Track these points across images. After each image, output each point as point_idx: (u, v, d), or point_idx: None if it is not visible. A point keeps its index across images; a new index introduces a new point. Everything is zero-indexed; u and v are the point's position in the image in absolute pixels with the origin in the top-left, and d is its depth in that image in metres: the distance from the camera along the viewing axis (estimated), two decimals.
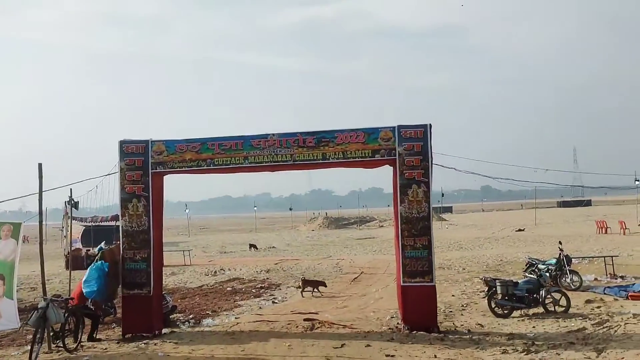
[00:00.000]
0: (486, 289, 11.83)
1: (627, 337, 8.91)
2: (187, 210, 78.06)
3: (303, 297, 14.91)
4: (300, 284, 15.52)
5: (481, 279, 13.59)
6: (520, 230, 41.78)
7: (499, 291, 11.36)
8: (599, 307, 11.56)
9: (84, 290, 10.74)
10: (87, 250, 26.50)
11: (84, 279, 10.94)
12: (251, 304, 14.30)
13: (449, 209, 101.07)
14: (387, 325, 10.75)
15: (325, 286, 15.37)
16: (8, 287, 9.50)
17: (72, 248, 21.75)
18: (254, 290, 16.46)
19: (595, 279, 15.23)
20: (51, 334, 9.59)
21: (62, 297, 10.53)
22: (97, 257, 11.32)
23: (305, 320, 11.44)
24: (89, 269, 11.19)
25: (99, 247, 12.74)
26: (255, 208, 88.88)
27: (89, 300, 10.88)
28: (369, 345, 9.04)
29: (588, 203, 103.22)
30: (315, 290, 15.19)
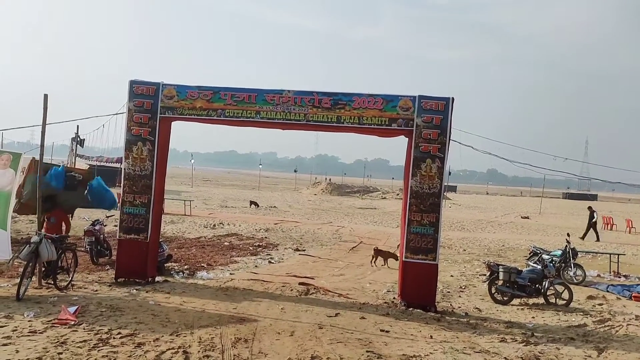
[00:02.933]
0: (488, 273, 11.57)
1: (628, 338, 8.63)
2: (192, 161, 78.16)
3: (373, 266, 14.44)
4: (373, 253, 14.99)
5: (484, 262, 13.34)
6: (525, 217, 41.51)
7: (501, 277, 11.12)
8: (600, 304, 11.30)
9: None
10: None
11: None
12: (247, 261, 14.16)
13: (453, 189, 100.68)
14: (383, 299, 10.55)
15: (397, 259, 14.73)
16: (2, 217, 9.27)
17: None
18: (251, 248, 16.33)
19: (599, 275, 14.95)
20: (42, 270, 9.43)
21: (56, 235, 10.34)
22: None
23: (300, 284, 11.27)
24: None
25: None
26: (260, 166, 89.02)
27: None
28: (363, 318, 8.83)
29: (594, 197, 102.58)
30: (387, 261, 14.70)
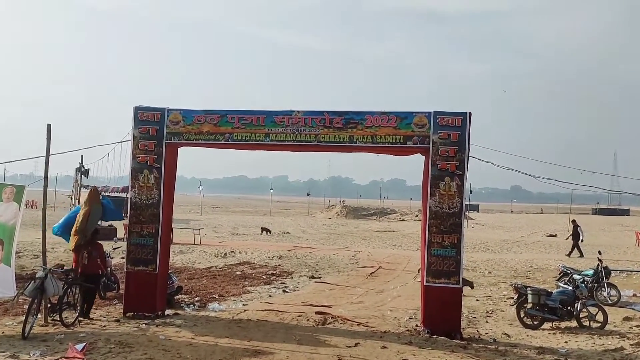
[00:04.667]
0: (515, 296, 11.43)
1: None
2: (200, 187, 78.67)
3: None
4: None
5: (511, 284, 13.18)
6: (551, 235, 41.00)
7: (529, 300, 10.96)
8: (638, 326, 11.06)
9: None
10: None
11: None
12: (261, 290, 14.13)
13: (475, 207, 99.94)
14: (405, 327, 10.44)
15: (472, 287, 14.34)
16: (7, 252, 9.38)
17: None
18: (264, 277, 16.30)
19: (635, 295, 14.67)
20: (48, 306, 9.49)
21: (63, 268, 10.43)
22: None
23: (317, 313, 11.20)
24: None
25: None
26: (271, 190, 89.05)
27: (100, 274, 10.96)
28: (385, 347, 8.73)
29: (625, 212, 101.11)
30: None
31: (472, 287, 14.20)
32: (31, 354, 7.64)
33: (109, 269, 12.82)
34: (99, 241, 10.89)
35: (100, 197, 10.97)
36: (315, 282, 16.02)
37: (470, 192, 67.85)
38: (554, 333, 10.45)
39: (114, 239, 17.81)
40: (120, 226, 23.94)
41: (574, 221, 27.05)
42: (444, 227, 9.79)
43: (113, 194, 32.95)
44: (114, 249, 15.54)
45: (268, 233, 34.88)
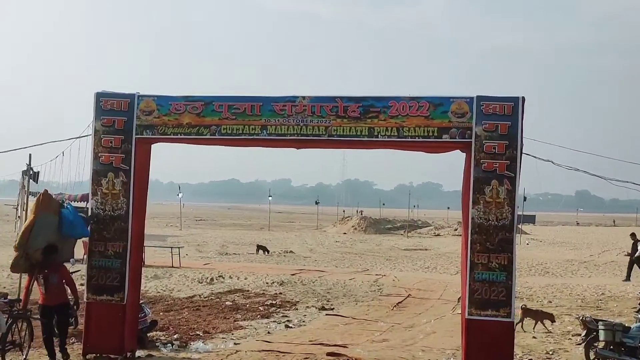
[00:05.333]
0: (583, 332, 11.38)
1: None
2: (180, 195, 78.61)
3: (520, 330, 13.64)
4: (520, 313, 14.21)
5: (578, 317, 13.10)
6: (629, 254, 40.69)
7: (601, 337, 10.87)
8: None
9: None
10: None
11: None
12: (257, 326, 14.14)
13: (530, 219, 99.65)
14: None
15: (553, 322, 14.31)
16: None
17: None
18: (261, 308, 16.31)
19: None
20: None
21: (7, 297, 10.49)
22: None
23: (328, 355, 11.22)
24: None
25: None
26: (270, 198, 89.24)
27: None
28: None
29: None
30: (540, 323, 14.37)
31: (552, 321, 14.41)
32: None
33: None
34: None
35: (65, 205, 10.88)
36: (327, 314, 16.00)
37: (525, 199, 67.51)
38: None
39: (71, 260, 17.75)
40: (78, 245, 24.03)
41: (633, 235, 26.82)
42: (491, 244, 9.77)
43: (69, 203, 33.23)
44: (72, 273, 15.59)
45: (266, 253, 34.92)
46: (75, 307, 10.95)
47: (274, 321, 14.82)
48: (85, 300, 10.88)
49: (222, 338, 12.73)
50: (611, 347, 10.84)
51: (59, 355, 10.18)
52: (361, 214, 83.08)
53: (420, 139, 10.04)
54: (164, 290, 18.99)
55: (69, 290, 10.80)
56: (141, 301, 11.97)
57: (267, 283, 20.94)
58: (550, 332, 14.13)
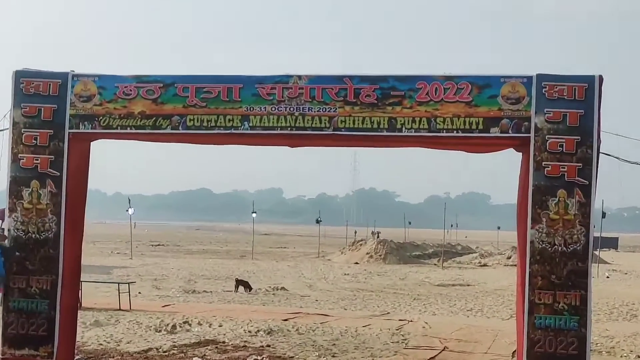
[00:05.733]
0: None
1: None
2: (130, 211, 78.58)
3: None
4: None
5: None
6: None
7: None
8: None
9: None
10: None
11: None
12: None
13: (612, 243, 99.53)
14: None
15: None
16: None
17: None
18: None
19: None
20: None
21: None
22: None
23: None
24: None
25: None
26: (254, 214, 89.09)
27: None
28: None
29: None
30: None
31: None
32: None
33: None
34: None
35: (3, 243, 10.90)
36: None
37: (603, 215, 67.51)
38: None
39: None
40: None
41: None
42: (557, 277, 9.80)
43: None
44: None
45: (248, 290, 34.79)
46: None
47: None
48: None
49: None
50: None
51: None
52: (377, 236, 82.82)
53: (460, 134, 10.08)
54: (109, 342, 18.88)
55: None
56: (77, 357, 11.94)
57: (249, 332, 20.85)
58: None
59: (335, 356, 18.07)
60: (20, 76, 10.91)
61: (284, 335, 20.69)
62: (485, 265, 65.66)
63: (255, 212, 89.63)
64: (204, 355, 17.62)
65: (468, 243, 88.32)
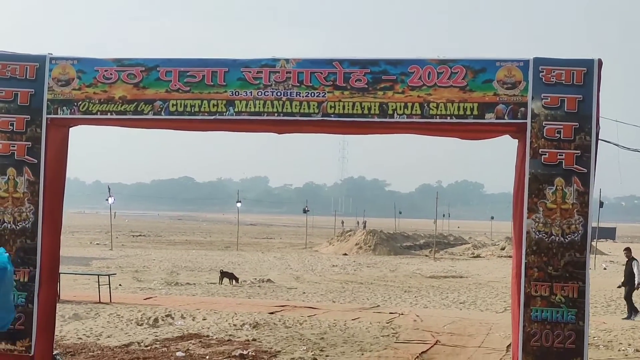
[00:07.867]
0: None
1: None
2: (110, 200, 78.49)
3: None
4: None
5: None
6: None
7: None
8: None
9: None
10: None
11: None
12: None
13: (609, 233, 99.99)
14: None
15: None
16: None
17: None
18: None
19: None
20: None
21: None
22: None
23: None
24: None
25: None
26: (238, 204, 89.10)
27: None
28: None
29: None
30: None
31: None
32: None
33: None
34: None
35: None
36: None
37: (601, 204, 67.65)
38: None
39: None
40: None
41: (627, 250, 27.47)
42: (554, 268, 9.80)
43: None
44: None
45: (233, 282, 34.82)
46: None
47: None
48: None
49: None
50: None
51: None
52: (364, 226, 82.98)
53: (454, 120, 10.04)
54: (88, 336, 18.84)
55: None
56: (55, 352, 11.89)
57: (234, 325, 20.84)
58: None
59: (323, 350, 18.06)
60: None
61: (270, 329, 20.69)
62: (478, 256, 65.92)
63: (240, 202, 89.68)
64: (187, 349, 17.60)
65: (461, 233, 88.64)
